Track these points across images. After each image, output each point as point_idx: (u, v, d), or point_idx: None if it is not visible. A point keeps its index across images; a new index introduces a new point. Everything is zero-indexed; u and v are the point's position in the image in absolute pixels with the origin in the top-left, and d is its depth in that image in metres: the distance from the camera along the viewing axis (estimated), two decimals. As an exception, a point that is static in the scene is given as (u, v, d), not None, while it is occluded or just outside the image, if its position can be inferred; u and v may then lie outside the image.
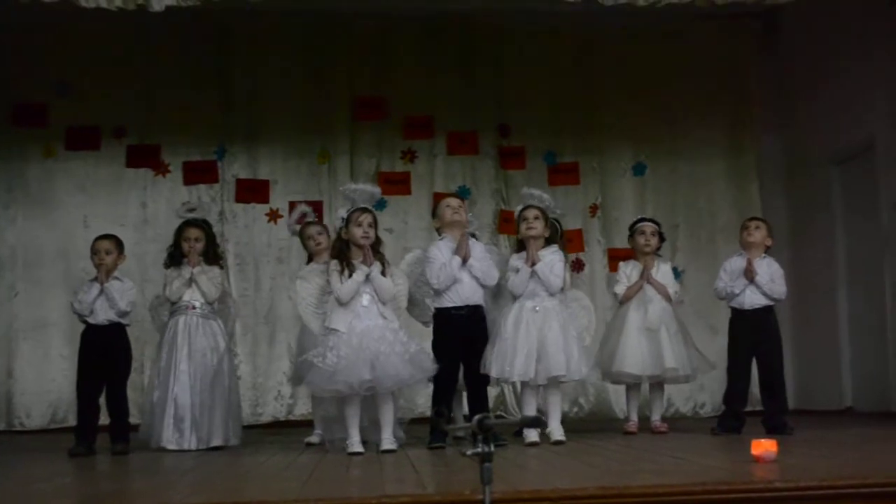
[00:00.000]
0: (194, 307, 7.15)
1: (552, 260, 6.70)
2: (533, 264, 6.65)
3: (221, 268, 7.44)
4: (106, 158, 9.94)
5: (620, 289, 7.67)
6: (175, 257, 7.25)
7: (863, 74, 8.86)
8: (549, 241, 6.84)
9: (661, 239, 7.81)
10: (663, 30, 10.03)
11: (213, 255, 7.33)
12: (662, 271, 7.69)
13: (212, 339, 7.15)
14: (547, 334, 6.55)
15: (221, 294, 7.38)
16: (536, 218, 6.75)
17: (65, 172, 9.93)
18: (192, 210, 7.54)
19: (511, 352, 6.52)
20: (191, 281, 7.14)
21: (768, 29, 10.44)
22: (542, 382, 6.59)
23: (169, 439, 6.86)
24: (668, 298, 7.59)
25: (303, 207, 8.03)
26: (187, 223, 7.29)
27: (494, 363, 6.56)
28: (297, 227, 7.78)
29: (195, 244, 7.20)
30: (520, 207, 6.94)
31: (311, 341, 6.66)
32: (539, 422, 3.25)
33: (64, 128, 9.87)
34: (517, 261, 6.76)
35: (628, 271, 7.73)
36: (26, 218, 9.85)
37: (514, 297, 6.73)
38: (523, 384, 6.67)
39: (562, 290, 6.75)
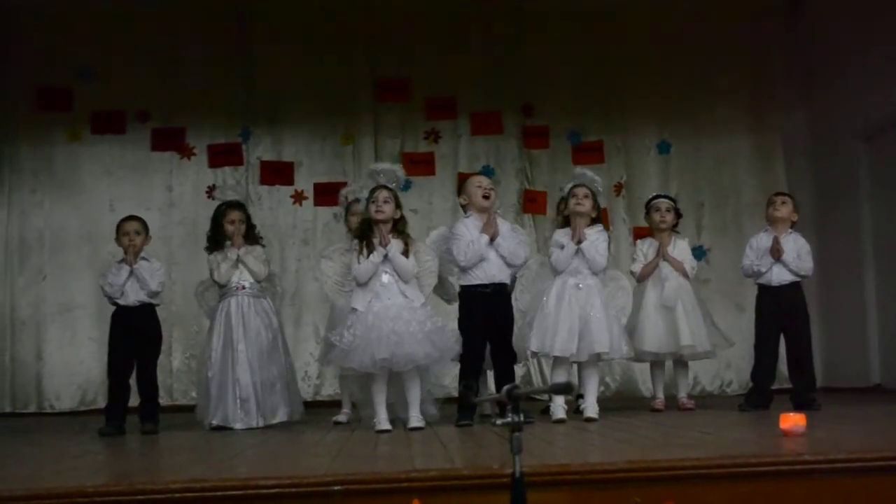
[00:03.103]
0: (244, 287, 7.18)
1: (597, 239, 6.70)
2: (579, 242, 6.65)
3: (263, 246, 7.44)
4: (131, 142, 10.01)
5: (637, 267, 7.66)
6: (217, 241, 7.27)
7: (890, 48, 8.78)
8: (593, 221, 6.84)
9: (678, 215, 7.78)
10: (687, 6, 9.98)
11: (252, 235, 7.36)
12: (679, 248, 7.65)
13: (265, 318, 7.21)
14: (590, 312, 6.55)
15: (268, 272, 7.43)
16: (586, 196, 6.75)
17: (90, 156, 10.02)
18: (231, 190, 7.58)
19: (553, 327, 6.52)
20: (237, 262, 7.17)
21: (793, 3, 10.36)
22: (582, 359, 6.60)
23: (235, 418, 6.92)
24: (685, 275, 7.56)
25: (354, 188, 7.91)
26: (229, 205, 7.30)
27: (535, 337, 6.56)
28: (347, 204, 7.64)
29: (239, 226, 7.23)
30: (570, 185, 6.94)
31: (339, 321, 6.69)
32: (570, 388, 3.24)
33: (89, 112, 9.94)
34: (563, 237, 6.75)
35: (645, 249, 7.72)
36: (53, 202, 9.95)
37: (556, 273, 6.73)
38: (556, 360, 6.67)
39: (604, 270, 6.76)
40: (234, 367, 7.02)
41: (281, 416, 7.09)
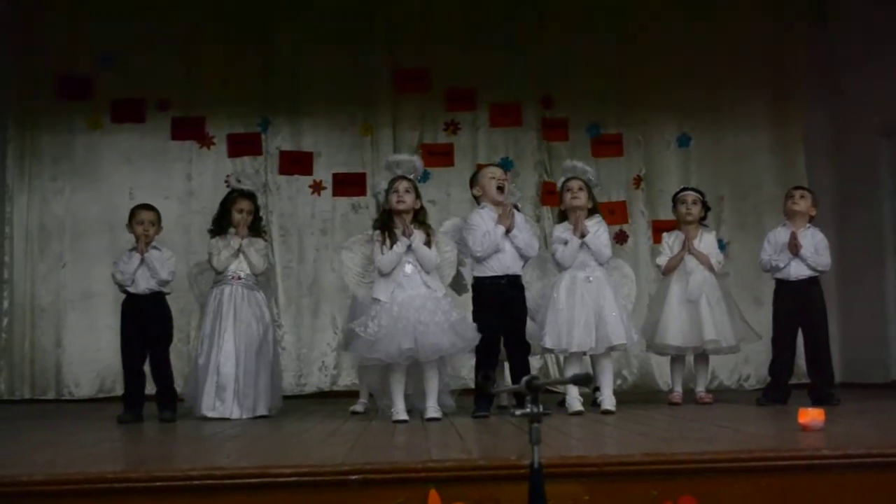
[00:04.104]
0: (240, 278, 7.17)
1: (598, 230, 6.71)
2: (582, 235, 6.64)
3: (266, 240, 7.44)
4: (151, 131, 10.02)
5: (663, 260, 7.64)
6: (222, 226, 7.27)
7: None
8: (590, 212, 6.84)
9: (706, 208, 7.75)
10: (709, -1, 9.97)
11: (256, 227, 7.36)
12: (706, 241, 7.62)
13: (257, 310, 7.18)
14: (603, 304, 6.55)
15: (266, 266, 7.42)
16: (581, 189, 6.77)
17: (110, 145, 10.02)
18: (248, 179, 7.59)
19: (567, 323, 6.52)
20: (239, 252, 7.17)
21: (816, -2, 10.32)
22: (600, 352, 6.60)
23: (210, 407, 6.90)
24: (710, 269, 7.53)
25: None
26: (241, 194, 7.29)
27: (549, 335, 6.56)
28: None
29: (247, 216, 7.23)
30: (562, 179, 6.94)
31: (362, 310, 6.70)
32: (589, 379, 3.24)
33: (109, 100, 9.95)
34: (564, 232, 6.74)
35: (671, 242, 7.69)
36: (73, 190, 9.97)
37: (562, 269, 6.72)
38: (570, 354, 6.66)
39: (608, 259, 6.77)
40: (218, 355, 7.00)
41: (261, 410, 7.03)
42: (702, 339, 7.39)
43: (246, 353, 7.05)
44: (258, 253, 7.22)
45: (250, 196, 7.33)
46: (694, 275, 7.46)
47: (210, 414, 6.86)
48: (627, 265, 7.41)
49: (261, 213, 7.56)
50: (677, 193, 7.83)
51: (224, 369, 6.97)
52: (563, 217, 6.89)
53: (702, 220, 7.72)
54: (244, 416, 6.89)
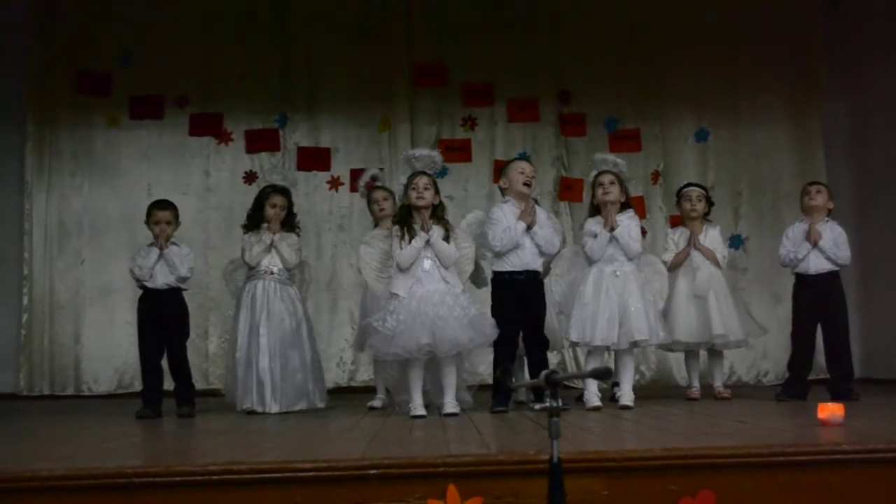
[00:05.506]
0: (272, 272, 7.21)
1: (629, 225, 6.70)
2: (612, 229, 6.63)
3: (298, 235, 7.47)
4: (169, 127, 10.03)
5: (668, 256, 7.63)
6: (256, 221, 7.30)
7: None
8: (623, 206, 6.82)
9: (710, 203, 7.75)
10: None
11: (290, 223, 7.38)
12: (710, 236, 7.63)
13: (289, 304, 7.22)
14: (628, 299, 6.55)
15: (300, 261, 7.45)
16: (612, 183, 6.74)
17: (129, 141, 10.05)
18: (280, 175, 7.61)
19: (592, 316, 6.53)
20: (271, 247, 7.20)
21: (837, -9, 10.26)
22: (622, 347, 6.59)
23: (250, 402, 6.96)
24: (716, 264, 7.53)
25: (373, 171, 8.06)
26: (275, 189, 7.32)
27: (574, 327, 6.57)
28: (366, 191, 7.80)
29: (279, 212, 7.26)
30: (594, 173, 6.92)
31: (374, 307, 6.71)
32: (609, 372, 3.24)
33: (128, 97, 9.97)
34: (594, 225, 6.75)
35: (675, 238, 7.72)
36: (92, 186, 10.00)
37: (591, 262, 6.71)
38: (593, 348, 6.65)
39: (639, 255, 6.75)
40: (256, 350, 7.05)
41: (301, 405, 7.10)
42: (710, 335, 7.40)
43: (280, 347, 7.10)
44: (290, 248, 7.26)
45: (284, 192, 7.36)
46: (700, 270, 7.48)
47: (257, 409, 6.92)
48: (660, 261, 7.40)
49: (294, 209, 7.54)
50: (681, 189, 7.86)
51: (261, 364, 7.02)
52: (595, 211, 6.88)
53: (706, 216, 7.72)
54: (283, 411, 6.95)
